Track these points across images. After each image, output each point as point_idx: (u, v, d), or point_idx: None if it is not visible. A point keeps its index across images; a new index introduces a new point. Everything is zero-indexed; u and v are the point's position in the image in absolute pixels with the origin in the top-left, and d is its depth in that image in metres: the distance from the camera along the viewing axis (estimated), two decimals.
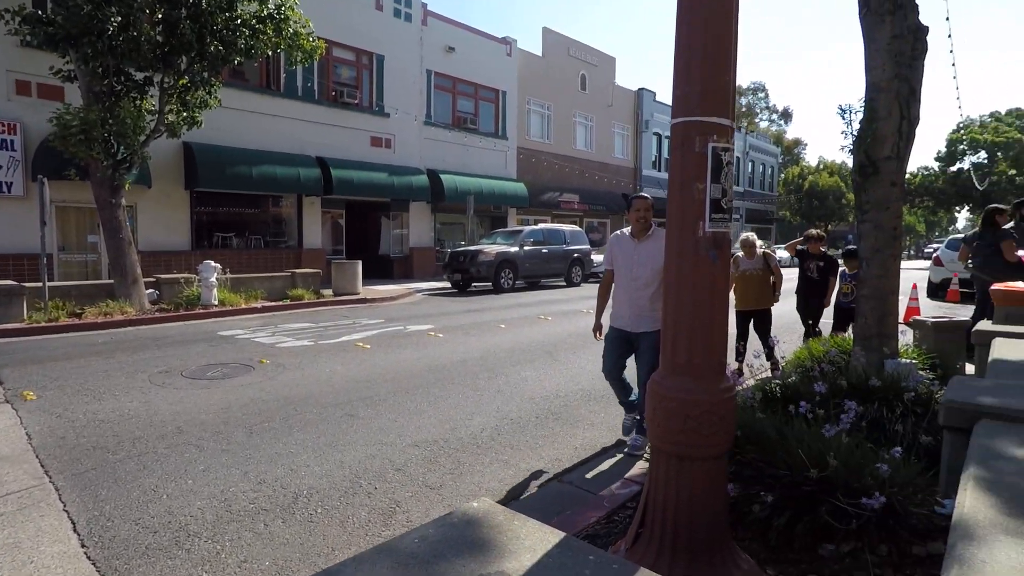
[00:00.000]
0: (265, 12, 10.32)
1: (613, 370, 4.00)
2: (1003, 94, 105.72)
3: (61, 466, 3.69)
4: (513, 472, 3.70)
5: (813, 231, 6.70)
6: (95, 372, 6.18)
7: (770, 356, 6.02)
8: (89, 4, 8.73)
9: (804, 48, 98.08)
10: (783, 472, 2.51)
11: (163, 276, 11.51)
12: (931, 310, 9.91)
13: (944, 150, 41.60)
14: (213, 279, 10.92)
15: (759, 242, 6.38)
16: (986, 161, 39.50)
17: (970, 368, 5.01)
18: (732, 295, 5.67)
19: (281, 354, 7.19)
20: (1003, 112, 41.62)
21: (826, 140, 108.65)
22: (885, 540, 2.33)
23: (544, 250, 16.78)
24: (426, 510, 3.17)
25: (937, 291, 14.11)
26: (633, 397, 4.11)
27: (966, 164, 39.54)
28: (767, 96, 60.24)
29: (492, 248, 15.74)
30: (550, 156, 24.54)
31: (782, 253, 22.60)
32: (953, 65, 13.42)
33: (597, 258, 18.19)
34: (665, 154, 27.67)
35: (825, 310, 6.44)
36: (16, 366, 6.45)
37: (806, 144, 64.76)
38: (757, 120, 57.44)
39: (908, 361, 3.99)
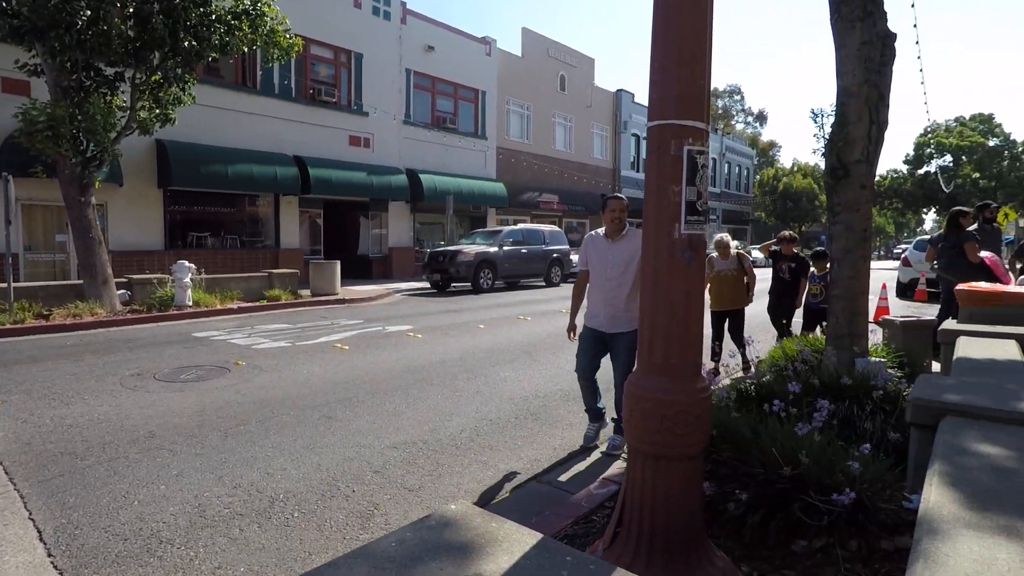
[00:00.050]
0: (240, 8, 10.16)
1: (587, 370, 4.01)
2: (968, 100, 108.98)
3: (27, 473, 3.59)
4: (492, 473, 3.70)
5: (786, 233, 6.83)
6: (63, 375, 6.02)
7: (743, 356, 6.12)
8: None
9: (779, 52, 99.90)
10: (757, 470, 2.55)
11: (135, 276, 11.26)
12: (900, 309, 10.18)
13: (912, 153, 42.74)
14: (187, 279, 10.71)
15: (733, 243, 6.49)
16: (952, 164, 40.70)
17: (936, 366, 5.16)
18: (707, 295, 5.76)
19: (257, 356, 7.08)
20: (967, 117, 42.91)
21: (800, 142, 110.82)
22: (855, 535, 2.39)
23: (523, 250, 16.81)
24: (405, 512, 3.15)
25: (906, 291, 14.49)
26: (600, 405, 4.13)
27: (933, 167, 40.68)
28: (743, 99, 61.25)
29: (471, 248, 15.72)
30: (529, 156, 24.59)
31: (757, 254, 22.99)
32: (921, 71, 13.81)
33: (576, 258, 18.24)
34: (643, 155, 27.87)
35: (796, 310, 6.57)
36: None
37: (780, 146, 66.14)
38: (733, 122, 58.32)
39: (878, 360, 4.08)
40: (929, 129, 41.14)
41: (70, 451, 3.94)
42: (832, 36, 4.24)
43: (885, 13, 4.12)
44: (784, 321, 6.52)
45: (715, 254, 6.29)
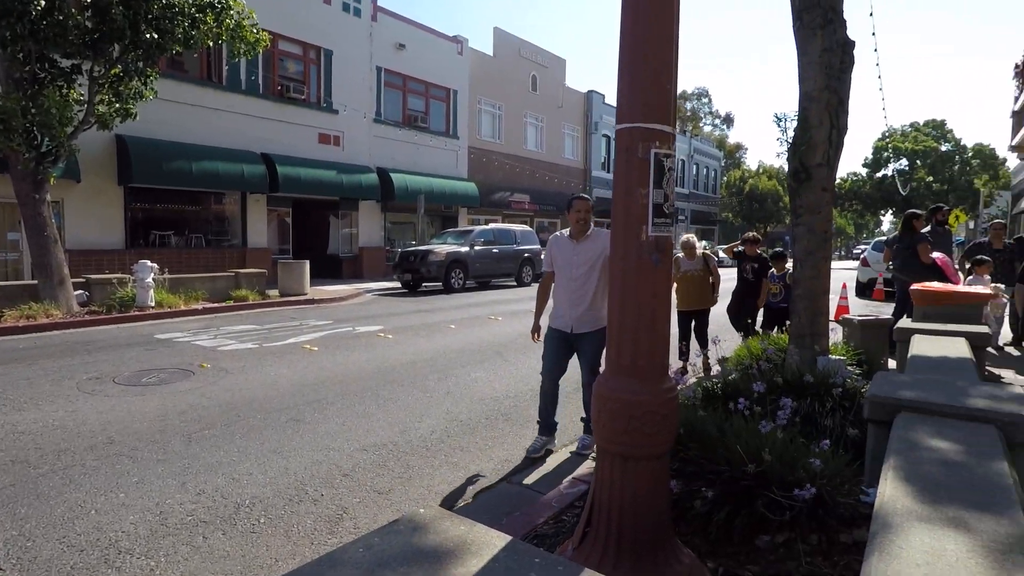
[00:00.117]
0: (205, 0, 9.90)
1: (553, 370, 3.99)
2: (922, 106, 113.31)
3: None
4: (463, 474, 3.69)
5: (749, 233, 7.00)
6: (15, 380, 5.78)
7: (704, 357, 6.25)
8: None
9: (745, 56, 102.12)
10: (723, 468, 2.61)
11: (94, 276, 10.88)
12: (859, 308, 10.51)
13: (871, 157, 44.19)
14: (150, 279, 10.40)
15: (699, 243, 6.60)
16: (907, 168, 42.24)
17: (893, 363, 5.34)
18: (674, 296, 5.84)
19: (223, 357, 6.92)
20: (921, 123, 44.56)
21: (765, 145, 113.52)
22: (816, 529, 2.46)
23: (495, 250, 16.80)
24: (374, 516, 3.12)
25: (864, 290, 14.98)
26: (555, 420, 4.07)
27: (890, 170, 42.15)
28: (710, 101, 62.42)
29: (443, 248, 15.65)
30: (501, 156, 24.59)
31: (724, 255, 23.43)
32: (879, 78, 14.28)
33: None
34: (614, 156, 28.22)
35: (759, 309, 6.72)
36: None
37: (747, 148, 67.55)
38: (701, 124, 59.32)
39: (838, 358, 4.21)
40: (887, 134, 42.60)
41: (22, 459, 3.79)
42: (795, 43, 4.35)
43: (845, 21, 4.25)
44: (749, 320, 6.67)
45: (681, 255, 6.38)
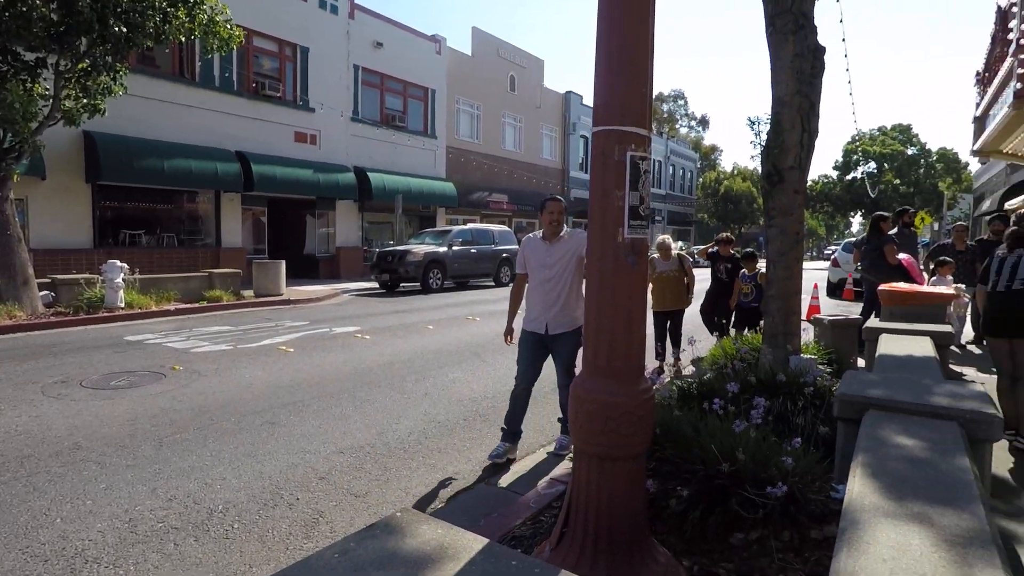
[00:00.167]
0: None
1: (528, 373, 3.95)
2: (889, 110, 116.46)
3: None
4: (441, 476, 3.68)
5: (723, 234, 7.11)
6: None
7: (675, 358, 6.32)
8: None
9: (720, 59, 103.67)
10: (698, 467, 2.64)
11: (60, 277, 10.57)
12: (830, 308, 10.75)
13: (841, 160, 45.26)
14: (119, 280, 10.13)
15: (675, 244, 6.68)
16: (876, 171, 43.36)
17: (862, 362, 5.48)
18: (649, 296, 5.90)
19: (196, 360, 6.79)
20: (889, 127, 45.77)
21: (740, 147, 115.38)
22: (788, 526, 2.51)
23: (473, 250, 16.78)
24: (351, 519, 3.09)
25: (835, 290, 15.32)
26: (520, 428, 4.00)
27: (860, 173, 43.21)
28: (686, 103, 63.16)
29: (421, 248, 15.58)
30: (479, 156, 24.57)
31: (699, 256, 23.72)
32: (849, 83, 14.62)
33: None
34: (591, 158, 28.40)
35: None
36: None
37: (722, 150, 68.49)
38: (677, 126, 60.02)
39: (809, 357, 4.31)
40: (856, 137, 43.67)
41: None
42: (768, 48, 4.43)
43: (815, 28, 4.34)
44: (724, 321, 6.77)
45: (656, 255, 6.43)
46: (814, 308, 9.76)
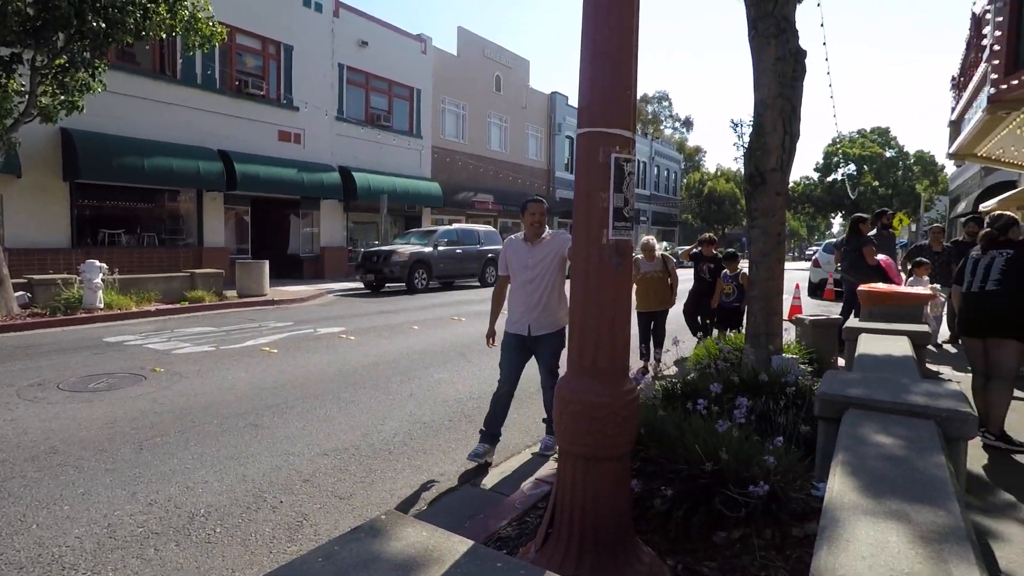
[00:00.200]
0: None
1: (511, 376, 3.93)
2: (869, 112, 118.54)
3: None
4: (426, 477, 3.67)
5: (705, 235, 7.18)
6: None
7: (656, 359, 6.35)
8: None
9: (704, 62, 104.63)
10: (682, 467, 2.67)
11: (37, 277, 10.36)
12: (811, 308, 10.91)
13: (821, 162, 45.92)
14: (98, 280, 9.95)
15: (659, 245, 6.73)
16: (855, 173, 44.07)
17: (842, 361, 5.57)
18: (633, 297, 5.94)
19: (177, 361, 6.69)
20: (868, 129, 46.54)
21: (723, 148, 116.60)
22: (770, 524, 2.54)
23: (458, 250, 16.75)
24: (335, 522, 3.07)
25: (816, 290, 15.54)
26: (500, 431, 3.96)
27: (840, 175, 43.87)
28: (671, 105, 63.54)
29: (406, 248, 15.51)
30: (465, 156, 24.53)
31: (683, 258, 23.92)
32: (830, 86, 14.86)
33: None
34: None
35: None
36: None
37: (706, 151, 69.22)
38: (662, 127, 60.45)
39: (791, 356, 4.36)
40: (837, 140, 44.34)
41: None
42: (750, 51, 4.48)
43: (797, 32, 4.40)
44: (708, 321, 6.84)
45: (641, 256, 6.47)
46: (796, 308, 9.89)
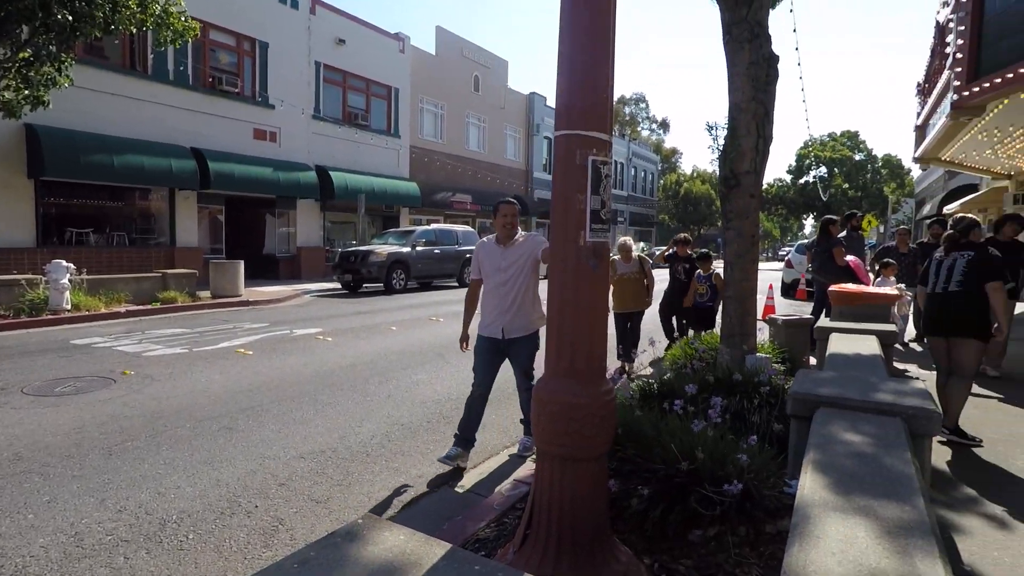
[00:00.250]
0: None
1: (486, 380, 3.89)
2: (840, 117, 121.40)
3: None
4: (404, 479, 3.65)
5: (680, 235, 7.26)
6: None
7: (630, 359, 6.36)
8: None
9: (680, 64, 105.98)
10: (659, 466, 2.70)
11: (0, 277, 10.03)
12: (784, 308, 11.12)
13: (794, 164, 46.86)
14: (65, 280, 9.67)
15: (636, 246, 6.79)
16: (826, 175, 45.10)
17: (814, 360, 5.69)
18: (610, 298, 5.98)
19: (149, 364, 6.54)
20: (838, 133, 47.64)
21: (699, 150, 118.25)
22: (744, 522, 2.59)
23: (436, 250, 16.69)
24: (312, 526, 3.04)
25: (789, 290, 15.83)
26: (475, 436, 3.91)
27: (812, 177, 44.84)
28: (648, 107, 64.24)
29: (384, 248, 15.40)
30: (443, 156, 24.45)
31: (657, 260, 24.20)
32: (803, 90, 15.17)
33: None
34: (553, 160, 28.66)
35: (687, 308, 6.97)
36: None
37: (682, 153, 70.04)
38: (639, 129, 61.01)
39: (765, 356, 4.44)
40: (808, 143, 45.29)
41: None
42: (724, 56, 4.56)
43: (770, 37, 4.48)
44: (684, 321, 6.92)
45: (617, 257, 6.50)
46: (769, 308, 10.07)
